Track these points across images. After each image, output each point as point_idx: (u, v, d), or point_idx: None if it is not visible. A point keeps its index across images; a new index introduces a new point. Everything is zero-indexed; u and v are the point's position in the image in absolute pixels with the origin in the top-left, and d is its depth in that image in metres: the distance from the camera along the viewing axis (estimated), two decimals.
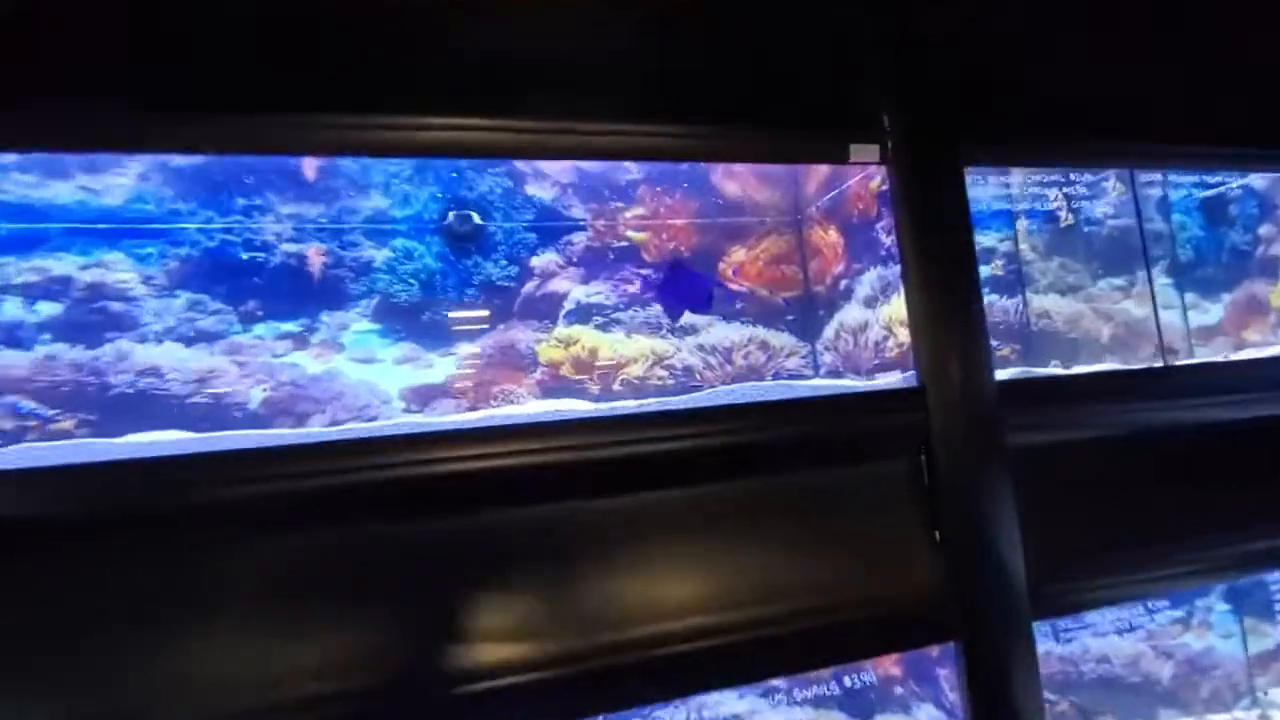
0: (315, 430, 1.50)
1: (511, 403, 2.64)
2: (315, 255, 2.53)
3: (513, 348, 2.64)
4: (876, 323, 2.39)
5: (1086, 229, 2.97)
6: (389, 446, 1.31)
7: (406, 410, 2.46)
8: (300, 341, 2.49)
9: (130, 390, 2.20)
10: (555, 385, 2.69)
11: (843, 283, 2.59)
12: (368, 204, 2.62)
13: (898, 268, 2.39)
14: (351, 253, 2.57)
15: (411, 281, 2.69)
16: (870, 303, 2.45)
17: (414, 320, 2.51)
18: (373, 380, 2.36)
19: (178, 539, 1.21)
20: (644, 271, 3.02)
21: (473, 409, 2.54)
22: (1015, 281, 2.77)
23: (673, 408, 1.66)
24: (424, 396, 2.66)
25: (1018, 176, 2.89)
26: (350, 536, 1.32)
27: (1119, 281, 3.00)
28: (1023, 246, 2.74)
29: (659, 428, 1.59)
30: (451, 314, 2.54)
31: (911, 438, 1.97)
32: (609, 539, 1.55)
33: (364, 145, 1.42)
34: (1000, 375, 2.01)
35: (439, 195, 2.73)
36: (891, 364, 2.41)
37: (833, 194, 2.81)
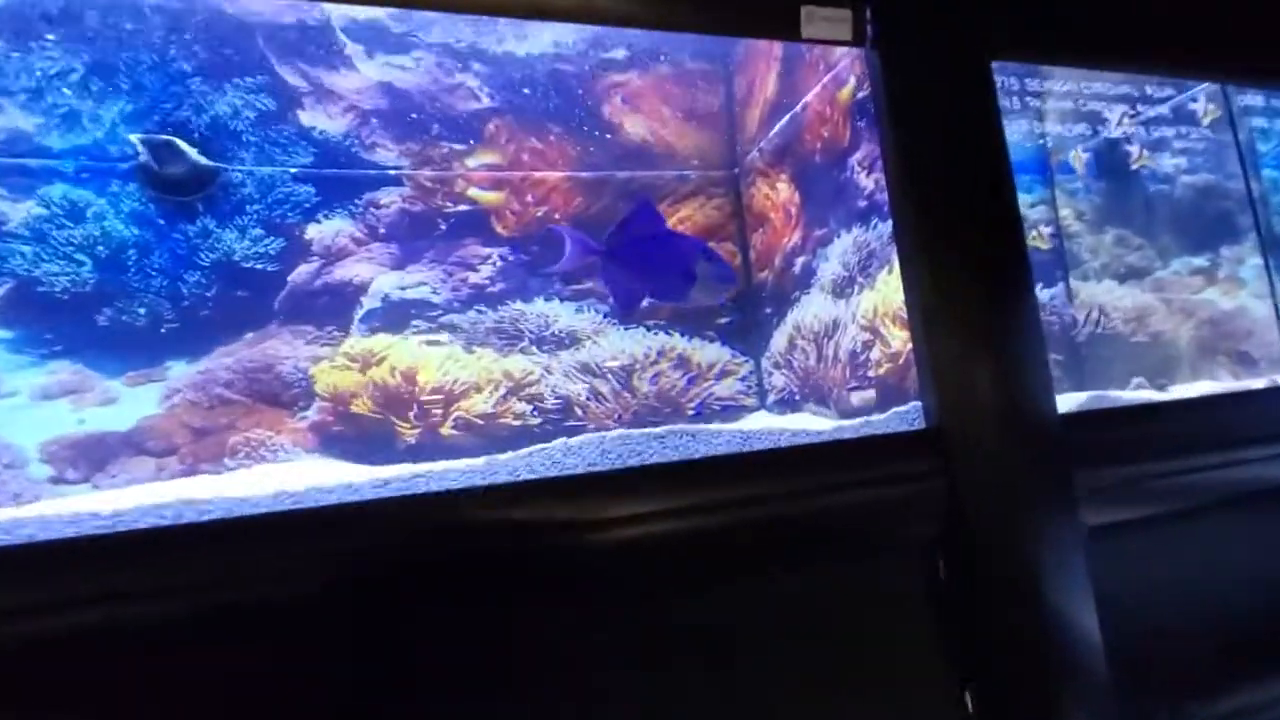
0: None
1: (263, 460, 1.58)
2: None
3: (269, 370, 1.60)
4: (853, 320, 1.41)
5: (1152, 188, 2.06)
6: None
7: (56, 480, 1.41)
8: None
9: None
10: (342, 432, 1.65)
11: (799, 262, 1.62)
12: None
13: (885, 226, 1.41)
14: None
15: (80, 259, 1.63)
16: (842, 288, 1.48)
17: (81, 325, 1.47)
18: None
19: None
20: (489, 252, 2.00)
21: (189, 474, 1.48)
22: (1055, 263, 1.82)
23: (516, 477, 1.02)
24: (93, 455, 1.59)
25: (1057, 107, 1.96)
26: None
27: (1199, 261, 2.09)
28: (1064, 213, 1.80)
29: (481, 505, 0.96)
30: (155, 314, 1.72)
31: (920, 521, 1.35)
32: None
33: None
34: (1064, 402, 1.42)
35: (139, 114, 1.68)
36: (882, 388, 1.43)
37: (782, 124, 1.84)
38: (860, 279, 1.57)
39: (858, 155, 1.55)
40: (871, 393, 1.57)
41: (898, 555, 1.34)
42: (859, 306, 1.58)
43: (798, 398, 1.87)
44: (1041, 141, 2.03)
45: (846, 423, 1.49)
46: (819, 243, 1.74)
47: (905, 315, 1.41)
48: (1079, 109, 2.01)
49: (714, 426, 1.25)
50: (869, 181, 1.51)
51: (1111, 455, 1.49)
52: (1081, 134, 1.99)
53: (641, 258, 1.50)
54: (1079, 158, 1.97)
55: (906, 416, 1.38)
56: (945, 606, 1.34)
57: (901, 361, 1.46)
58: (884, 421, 1.39)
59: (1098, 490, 1.47)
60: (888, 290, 1.48)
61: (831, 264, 1.69)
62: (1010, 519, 1.37)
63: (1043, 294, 1.99)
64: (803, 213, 1.83)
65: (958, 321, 1.39)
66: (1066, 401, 1.57)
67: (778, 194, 1.93)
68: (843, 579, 1.31)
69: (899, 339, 1.46)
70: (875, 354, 1.53)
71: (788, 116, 1.82)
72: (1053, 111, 1.96)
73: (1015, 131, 1.98)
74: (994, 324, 1.40)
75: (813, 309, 1.78)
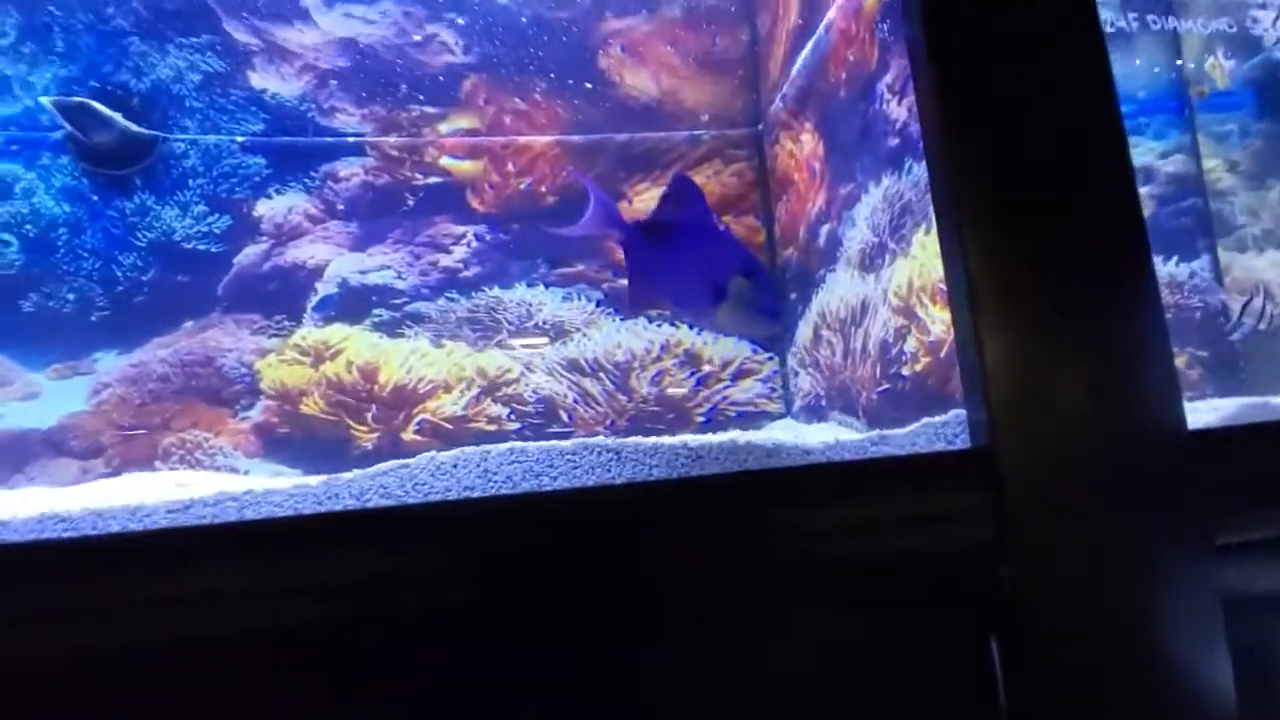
0: None
1: (197, 467, 1.38)
2: None
3: (210, 364, 1.40)
4: (883, 301, 1.04)
5: None
6: None
7: None
8: None
9: None
10: (289, 435, 1.43)
11: (823, 232, 1.27)
12: None
13: (921, 169, 1.01)
14: None
15: (4, 238, 1.50)
16: (872, 259, 1.11)
17: (3, 311, 1.32)
18: None
19: None
20: (463, 231, 1.75)
21: (114, 475, 1.30)
22: (1195, 229, 1.36)
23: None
24: (10, 455, 1.45)
25: (1199, 26, 1.47)
26: None
27: None
28: (1210, 164, 1.33)
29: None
30: (86, 300, 1.58)
31: (956, 588, 0.91)
32: None
33: None
34: (1201, 413, 1.05)
35: (74, 80, 1.54)
36: (920, 390, 1.02)
37: (805, 57, 1.47)
38: (892, 244, 1.18)
39: (887, 77, 1.17)
40: None
41: (925, 642, 0.95)
42: (891, 281, 1.19)
43: (824, 403, 1.49)
44: (1176, 72, 1.54)
45: (850, 435, 1.10)
46: (845, 203, 1.36)
47: (945, 283, 1.01)
48: (1231, 24, 1.51)
49: (634, 440, 0.91)
50: (901, 109, 1.13)
51: (1267, 488, 1.02)
52: (1233, 52, 1.49)
53: (671, 250, 1.16)
54: (1218, 67, 1.46)
55: (943, 431, 0.98)
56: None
57: (944, 353, 1.07)
58: (906, 437, 1.00)
59: (1245, 542, 1.02)
60: (925, 256, 1.09)
61: (859, 229, 1.30)
62: (1102, 591, 0.95)
63: (1177, 269, 1.50)
64: (827, 167, 1.45)
65: (1022, 298, 0.99)
66: (1206, 412, 1.12)
67: (801, 148, 1.56)
68: (841, 674, 0.94)
69: (940, 323, 1.07)
70: (911, 344, 1.14)
71: (810, 44, 1.45)
72: (1194, 34, 1.48)
73: (1138, 59, 1.51)
74: (1083, 305, 0.98)
75: (838, 290, 1.39)
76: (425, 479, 0.84)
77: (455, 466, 0.86)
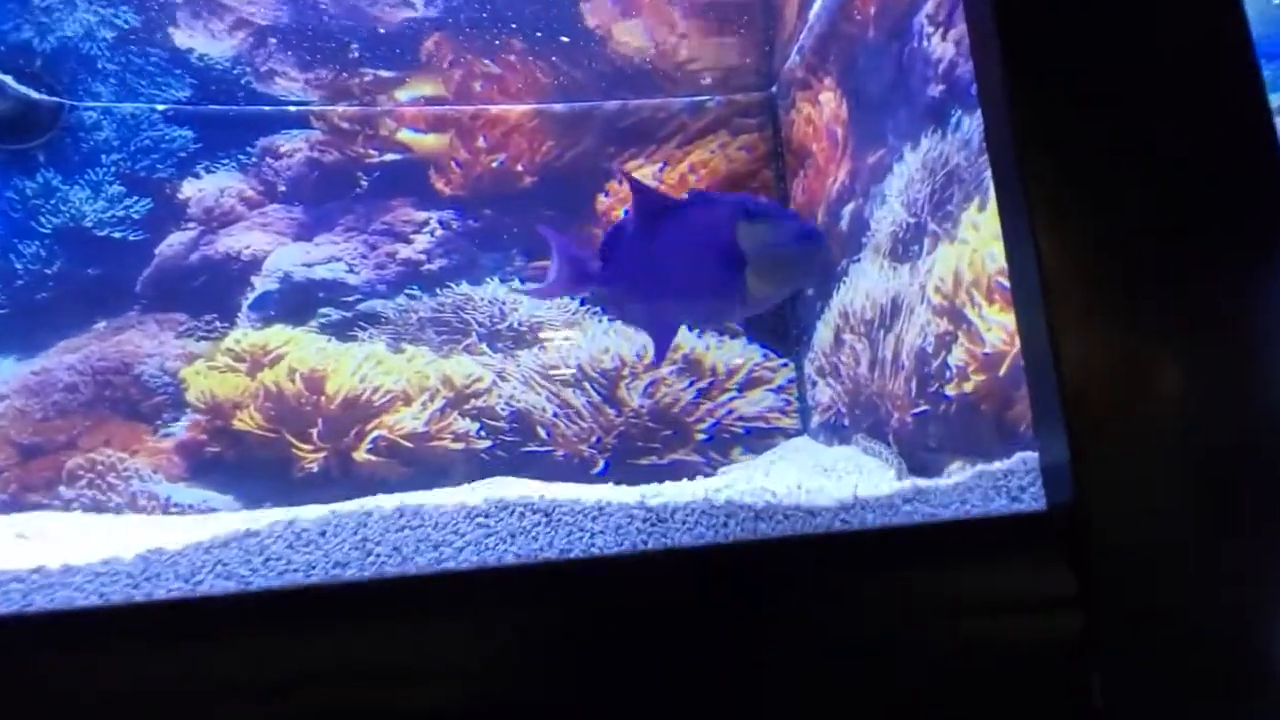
0: None
1: (109, 493, 1.16)
2: None
3: (126, 371, 1.18)
4: (921, 298, 0.78)
5: None
6: None
7: None
8: None
9: None
10: (219, 455, 1.19)
11: (846, 212, 1.02)
12: None
13: (973, 121, 0.71)
14: None
15: None
16: (906, 245, 0.86)
17: None
18: None
19: None
20: (425, 217, 1.53)
21: (10, 508, 1.09)
22: None
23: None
24: None
25: None
26: None
27: None
28: None
29: None
30: None
31: (1041, 700, 0.69)
32: None
33: None
34: None
35: None
36: (968, 419, 0.75)
37: None
38: (933, 224, 0.94)
39: (928, 6, 0.92)
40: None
41: None
42: (931, 273, 0.94)
43: (846, 422, 1.24)
44: None
45: (874, 465, 0.86)
46: (874, 176, 1.11)
47: (1008, 284, 0.77)
48: None
49: (570, 493, 0.68)
50: (946, 45, 0.88)
51: None
52: None
53: (659, 261, 0.92)
54: None
55: (1004, 483, 0.74)
56: None
57: (1005, 370, 0.82)
58: (953, 492, 0.76)
59: None
60: (979, 240, 0.85)
61: (890, 207, 1.06)
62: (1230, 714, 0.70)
63: None
64: (851, 132, 1.20)
65: (1118, 294, 0.74)
66: None
67: (821, 111, 1.31)
68: None
69: (999, 329, 0.82)
70: (959, 356, 0.89)
71: None
72: None
73: None
74: (1208, 303, 0.73)
75: (864, 285, 1.15)
76: (280, 552, 0.62)
77: (323, 534, 0.63)
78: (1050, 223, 0.77)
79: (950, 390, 0.91)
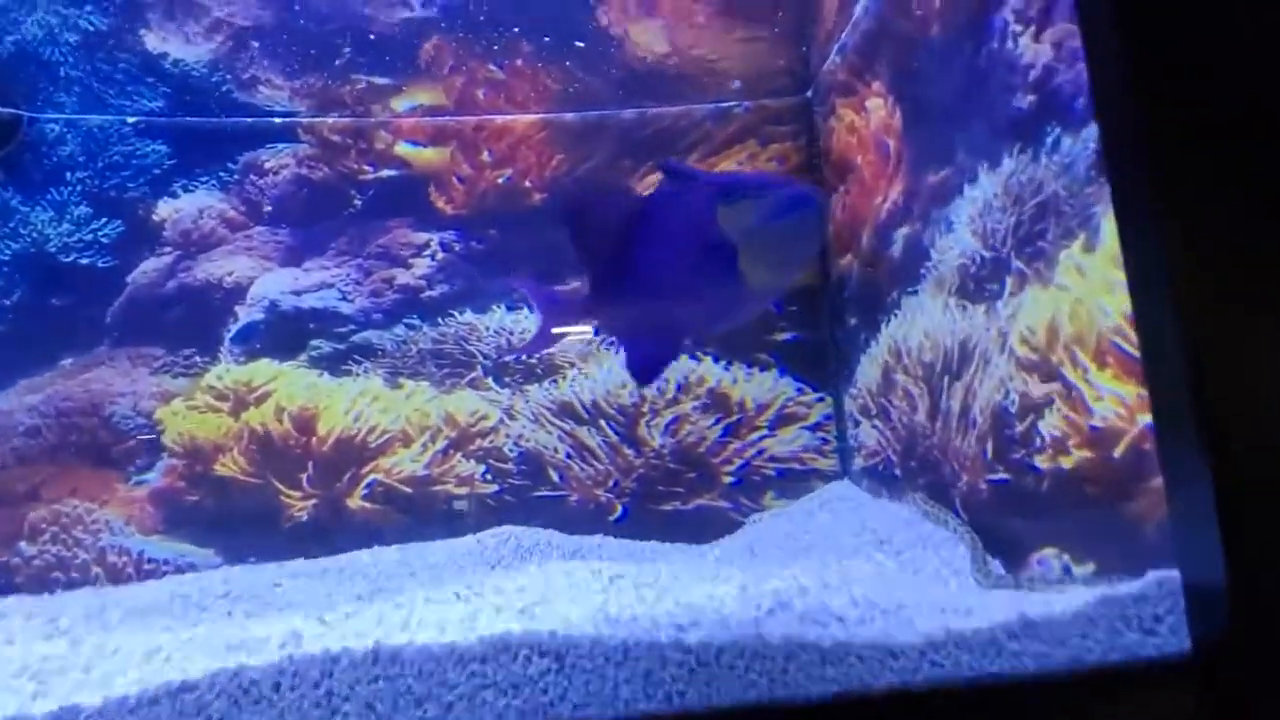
0: None
1: (79, 546, 1.03)
2: None
3: (96, 413, 1.04)
4: (1004, 348, 0.65)
5: None
6: None
7: None
8: None
9: None
10: (198, 504, 1.04)
11: (899, 236, 0.88)
12: None
13: (1081, 139, 0.56)
14: None
15: None
16: (981, 283, 0.73)
17: None
18: None
19: None
20: (425, 239, 1.41)
21: None
22: None
23: None
24: None
25: None
26: None
27: None
28: None
29: None
30: None
31: None
32: None
33: None
34: None
35: None
36: (1074, 499, 0.61)
37: None
38: (1019, 262, 0.81)
39: (1014, 1, 0.79)
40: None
41: None
42: (1016, 319, 0.82)
43: (898, 473, 1.12)
44: None
45: (944, 534, 0.73)
46: (936, 197, 0.99)
47: (1130, 344, 0.65)
48: None
49: (587, 635, 0.55)
50: (1041, 48, 0.75)
51: None
52: None
53: (645, 269, 0.80)
54: None
55: (1134, 611, 0.62)
56: None
57: (1122, 449, 0.70)
58: (1071, 623, 0.63)
59: None
60: (1085, 288, 0.72)
61: (959, 235, 0.93)
62: None
63: None
64: (906, 144, 1.07)
65: None
66: None
67: (867, 120, 1.18)
68: None
69: (1112, 399, 0.70)
70: (1053, 423, 0.77)
71: None
72: None
73: None
74: None
75: (922, 322, 1.02)
76: (223, 712, 0.49)
77: (277, 690, 0.50)
78: (1198, 267, 0.64)
79: (1041, 462, 0.79)
